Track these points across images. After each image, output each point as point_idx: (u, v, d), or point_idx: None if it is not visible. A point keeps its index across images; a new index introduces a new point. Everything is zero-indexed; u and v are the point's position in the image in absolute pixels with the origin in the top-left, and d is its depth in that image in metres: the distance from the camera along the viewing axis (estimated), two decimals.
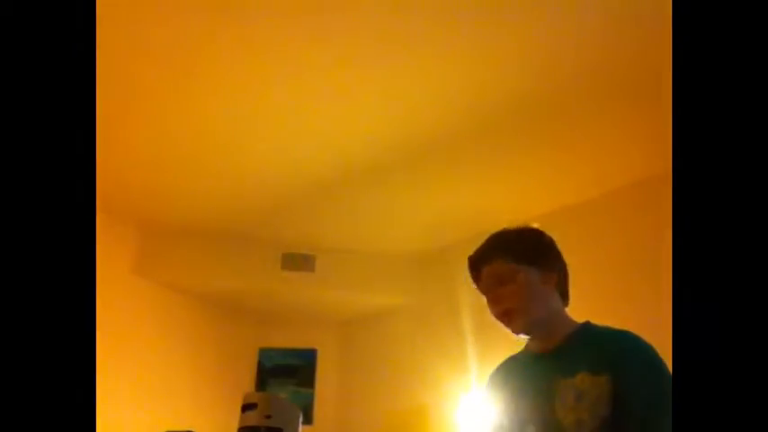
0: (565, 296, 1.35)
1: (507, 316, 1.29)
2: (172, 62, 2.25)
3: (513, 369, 1.42)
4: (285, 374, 4.23)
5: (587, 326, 1.31)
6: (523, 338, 1.35)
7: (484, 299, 1.38)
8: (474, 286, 1.40)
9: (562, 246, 1.37)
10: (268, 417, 1.14)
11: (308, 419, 4.12)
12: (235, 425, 1.16)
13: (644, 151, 2.78)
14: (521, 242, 1.35)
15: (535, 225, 1.41)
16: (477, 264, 1.35)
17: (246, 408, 1.16)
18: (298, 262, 3.82)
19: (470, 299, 3.57)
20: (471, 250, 1.40)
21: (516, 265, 1.29)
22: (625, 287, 2.84)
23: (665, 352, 1.07)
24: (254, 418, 1.14)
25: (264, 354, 4.24)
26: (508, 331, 1.32)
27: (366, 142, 2.78)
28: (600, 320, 1.31)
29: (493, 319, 1.35)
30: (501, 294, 1.29)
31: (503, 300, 1.29)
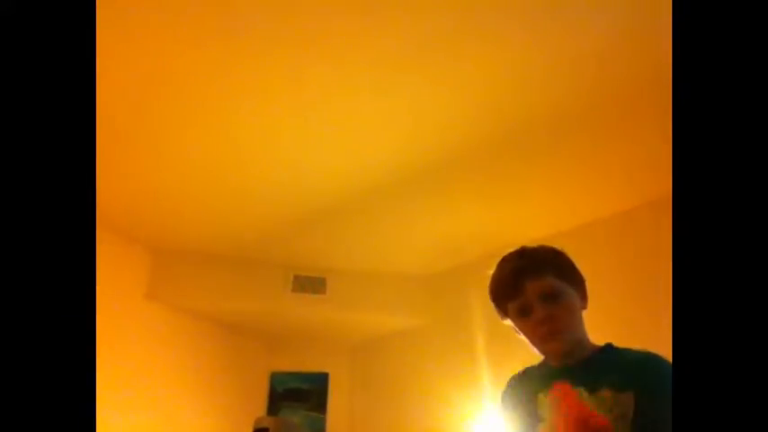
0: None
1: (553, 335, 1.23)
2: (183, 90, 2.28)
3: (531, 379, 1.37)
4: (297, 399, 4.20)
5: (610, 346, 1.29)
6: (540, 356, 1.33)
7: (506, 320, 1.33)
8: (499, 304, 1.33)
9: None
10: None
11: None
12: None
13: (646, 174, 2.76)
14: (561, 261, 1.31)
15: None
16: (523, 277, 1.27)
17: None
18: (308, 284, 3.82)
19: (482, 320, 3.55)
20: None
21: (563, 284, 1.26)
22: (627, 309, 2.81)
23: None
24: None
25: (276, 378, 4.23)
26: (521, 352, 1.31)
27: (375, 165, 2.79)
28: (603, 340, 1.31)
29: (513, 338, 1.32)
30: (555, 312, 1.23)
31: (556, 318, 1.23)
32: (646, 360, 1.20)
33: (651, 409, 1.11)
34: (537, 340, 1.26)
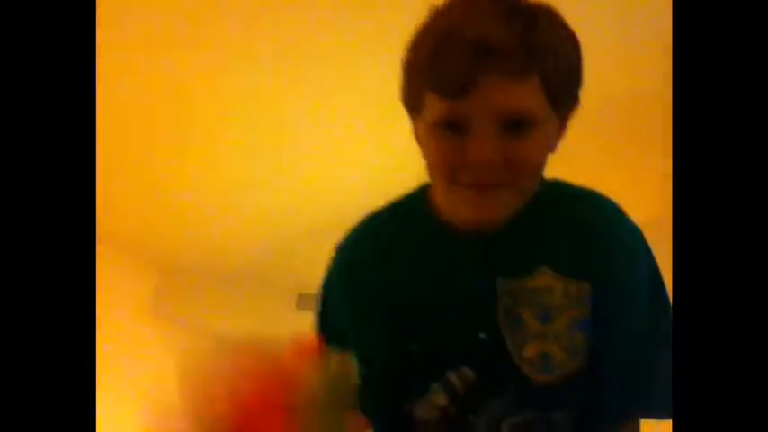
0: None
1: (491, 195, 0.66)
2: (188, 109, 2.30)
3: (410, 249, 0.77)
4: None
5: (550, 186, 0.77)
6: None
7: (410, 113, 0.74)
8: (412, 85, 0.69)
9: None
10: None
11: None
12: None
13: (644, 194, 2.75)
14: (564, 48, 0.66)
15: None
16: (482, 64, 0.61)
17: None
18: (313, 301, 3.80)
19: None
20: None
21: (548, 104, 0.65)
22: None
23: None
24: None
25: None
26: None
27: (381, 179, 2.78)
28: None
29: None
30: (513, 151, 0.64)
31: (510, 163, 0.64)
32: (606, 216, 0.75)
33: (625, 311, 0.71)
34: (454, 189, 0.68)
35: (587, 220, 0.74)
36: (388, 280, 0.77)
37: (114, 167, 2.64)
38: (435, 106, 0.65)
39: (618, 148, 2.48)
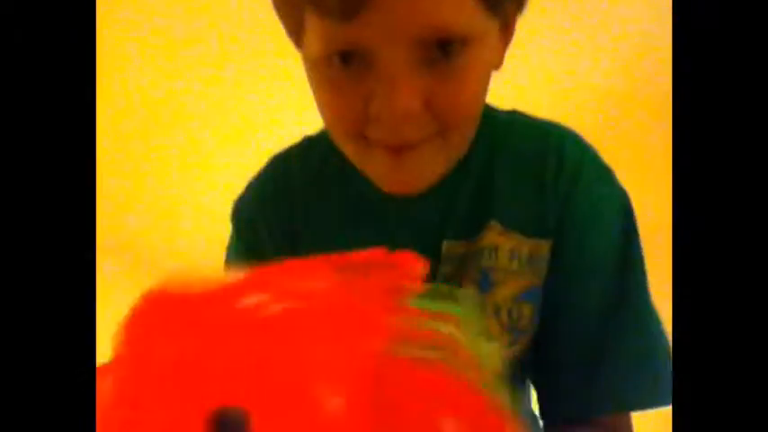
0: None
1: (416, 152, 0.48)
2: (189, 110, 2.31)
3: (328, 209, 0.61)
4: None
5: (505, 119, 0.61)
6: None
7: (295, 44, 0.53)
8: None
9: None
10: None
11: None
12: None
13: (644, 194, 2.76)
14: None
15: None
16: None
17: None
18: None
19: None
20: None
21: (485, 7, 0.45)
22: None
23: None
24: None
25: None
26: None
27: None
28: None
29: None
30: (443, 86, 0.46)
31: (444, 103, 0.46)
32: (575, 161, 0.59)
33: (585, 270, 0.55)
34: (365, 151, 0.51)
35: (547, 162, 0.58)
36: (302, 249, 0.59)
37: (114, 168, 2.65)
38: (321, 32, 0.45)
39: (618, 148, 2.49)
